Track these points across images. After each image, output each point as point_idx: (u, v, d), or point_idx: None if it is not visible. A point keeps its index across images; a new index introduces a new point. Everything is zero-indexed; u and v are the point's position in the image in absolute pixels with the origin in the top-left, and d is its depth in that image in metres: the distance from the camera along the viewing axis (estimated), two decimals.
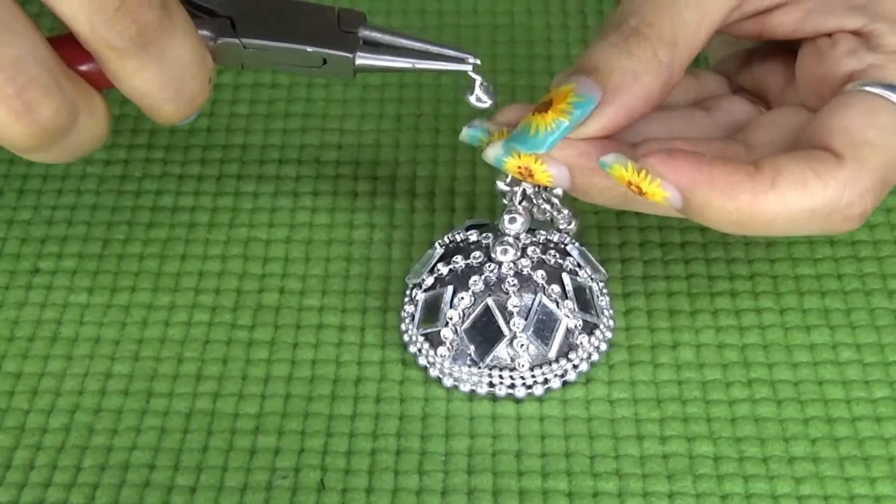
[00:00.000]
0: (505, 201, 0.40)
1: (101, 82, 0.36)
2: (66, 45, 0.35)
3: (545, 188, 0.41)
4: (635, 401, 0.40)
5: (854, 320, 0.42)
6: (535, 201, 0.41)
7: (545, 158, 0.38)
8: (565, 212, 0.41)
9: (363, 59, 0.39)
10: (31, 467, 0.39)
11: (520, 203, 0.40)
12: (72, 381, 0.41)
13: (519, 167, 0.38)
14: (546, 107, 0.37)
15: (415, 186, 0.47)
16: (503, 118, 0.39)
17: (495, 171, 0.40)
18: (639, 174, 0.36)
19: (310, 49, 0.38)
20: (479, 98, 0.40)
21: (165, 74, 0.36)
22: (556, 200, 0.40)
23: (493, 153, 0.39)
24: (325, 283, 0.44)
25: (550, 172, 0.38)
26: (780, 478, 0.38)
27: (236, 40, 0.38)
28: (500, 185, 0.40)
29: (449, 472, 0.38)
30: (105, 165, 0.48)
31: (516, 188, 0.40)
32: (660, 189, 0.36)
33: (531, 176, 0.38)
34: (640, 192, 0.36)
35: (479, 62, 0.39)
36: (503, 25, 0.52)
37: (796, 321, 0.42)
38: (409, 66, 0.39)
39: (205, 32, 0.38)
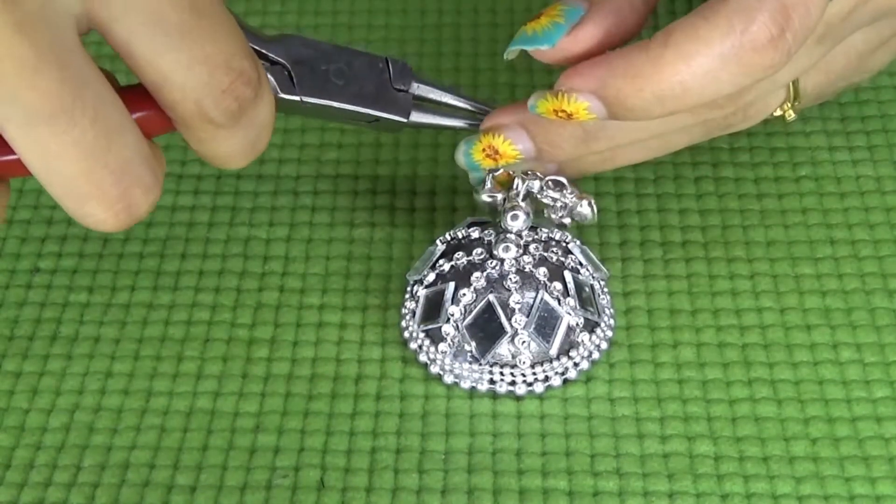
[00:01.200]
0: (498, 207, 0.41)
1: (160, 127, 0.36)
2: (125, 95, 0.35)
3: (548, 182, 0.41)
4: (636, 399, 0.40)
5: (854, 320, 0.42)
6: (539, 197, 0.41)
7: (502, 130, 0.39)
8: (571, 198, 0.40)
9: (415, 118, 0.41)
10: (31, 467, 0.39)
11: (522, 200, 0.40)
12: (72, 381, 0.41)
13: (484, 149, 0.40)
14: (537, 17, 0.38)
15: (415, 185, 0.47)
16: (489, 123, 0.40)
17: (474, 187, 0.41)
18: (557, 98, 0.37)
19: (367, 111, 0.40)
20: (490, 193, 0.41)
21: (248, 138, 0.37)
22: (565, 182, 0.41)
23: (460, 153, 0.41)
24: (326, 282, 0.44)
25: (513, 142, 0.39)
26: (781, 477, 0.38)
27: (297, 98, 0.39)
28: (484, 197, 0.40)
29: (449, 470, 0.38)
30: None
31: (498, 196, 0.41)
32: (579, 103, 0.37)
33: (497, 153, 0.40)
34: (569, 116, 0.37)
35: None
36: (503, 25, 0.52)
37: (797, 320, 0.42)
38: (458, 125, 0.41)
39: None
